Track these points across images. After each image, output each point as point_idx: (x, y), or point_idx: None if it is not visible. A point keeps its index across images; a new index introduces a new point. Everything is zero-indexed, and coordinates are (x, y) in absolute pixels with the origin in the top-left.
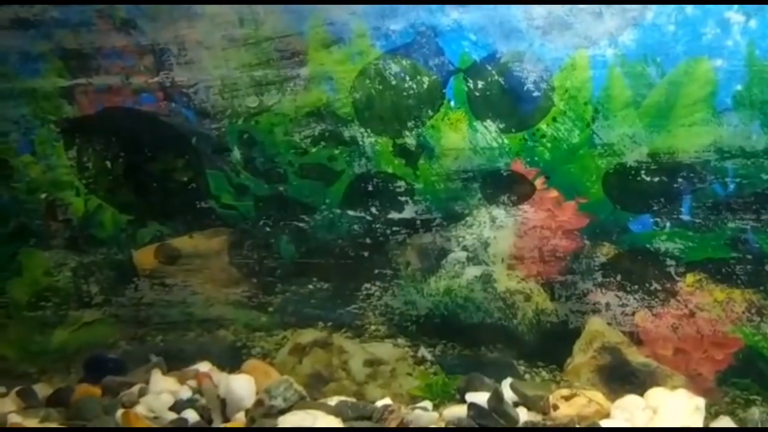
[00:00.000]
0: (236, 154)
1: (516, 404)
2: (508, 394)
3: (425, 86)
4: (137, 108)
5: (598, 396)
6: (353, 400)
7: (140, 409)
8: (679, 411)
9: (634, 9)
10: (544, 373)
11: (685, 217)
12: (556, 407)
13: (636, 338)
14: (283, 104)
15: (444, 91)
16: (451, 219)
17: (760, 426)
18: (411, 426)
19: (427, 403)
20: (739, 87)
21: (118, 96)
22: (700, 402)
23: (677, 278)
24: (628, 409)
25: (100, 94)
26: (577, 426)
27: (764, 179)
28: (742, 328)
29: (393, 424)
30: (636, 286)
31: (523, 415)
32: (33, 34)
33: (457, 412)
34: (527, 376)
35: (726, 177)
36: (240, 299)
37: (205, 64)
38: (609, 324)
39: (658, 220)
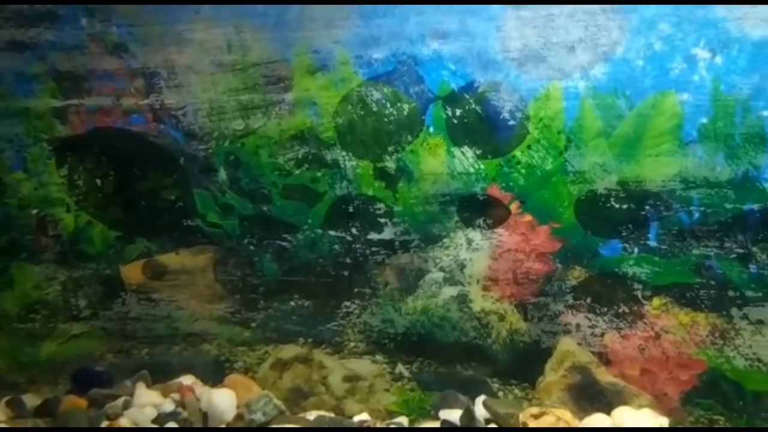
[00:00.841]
0: (222, 174)
1: (488, 421)
2: (481, 412)
3: (405, 113)
4: (127, 128)
5: (567, 414)
6: (331, 415)
7: (124, 421)
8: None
9: (605, 44)
10: (516, 391)
11: (652, 243)
12: (525, 425)
13: (605, 358)
14: (269, 127)
15: (423, 117)
16: (429, 241)
17: None
18: None
19: (404, 419)
20: (704, 120)
21: (109, 116)
22: (664, 421)
23: (644, 301)
24: (594, 426)
25: (91, 114)
26: None
27: (727, 208)
28: (706, 350)
29: None
30: (605, 309)
31: None
32: (28, 56)
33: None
34: (500, 393)
35: (691, 206)
36: (224, 315)
37: (193, 87)
38: (579, 344)
39: (627, 245)
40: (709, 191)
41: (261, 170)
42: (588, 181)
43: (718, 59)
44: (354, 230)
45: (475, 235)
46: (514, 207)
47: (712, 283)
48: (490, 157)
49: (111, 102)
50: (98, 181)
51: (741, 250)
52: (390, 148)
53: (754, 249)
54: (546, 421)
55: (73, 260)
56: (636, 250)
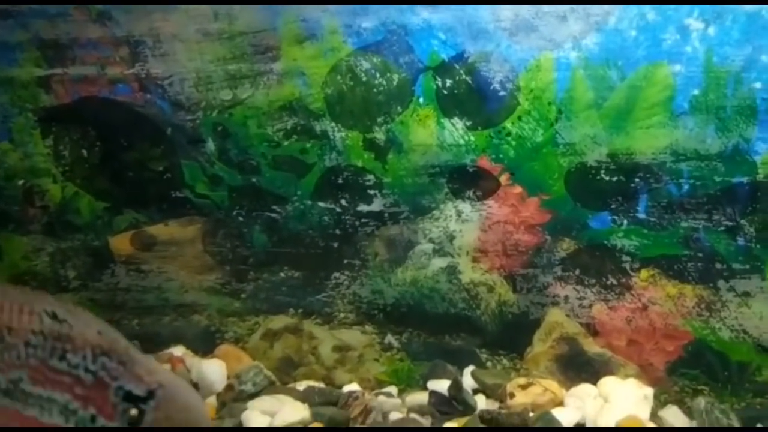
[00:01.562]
0: (210, 145)
1: (476, 391)
2: (469, 382)
3: (395, 83)
4: (113, 98)
5: (553, 385)
6: (321, 385)
7: None
8: (628, 399)
9: (597, 14)
10: (505, 362)
11: (641, 216)
12: (512, 395)
13: (592, 329)
14: (257, 98)
15: (413, 88)
16: (419, 212)
17: (705, 415)
18: (374, 410)
19: (393, 389)
20: (696, 92)
21: (94, 86)
22: (649, 391)
23: (632, 273)
24: (581, 397)
25: (76, 83)
26: (531, 414)
27: (717, 181)
28: (692, 321)
29: (357, 410)
30: (593, 280)
31: (482, 403)
32: (11, 24)
33: (419, 398)
34: (489, 364)
35: (681, 178)
36: (214, 286)
37: (179, 56)
38: (567, 315)
39: (616, 217)
40: (699, 164)
41: (249, 141)
42: (578, 153)
43: (711, 30)
44: (343, 202)
45: (465, 206)
46: (503, 179)
47: (700, 255)
48: (480, 128)
49: (96, 71)
50: (84, 152)
51: (729, 223)
52: (379, 119)
53: (742, 222)
54: (532, 392)
55: (61, 231)
56: (625, 222)
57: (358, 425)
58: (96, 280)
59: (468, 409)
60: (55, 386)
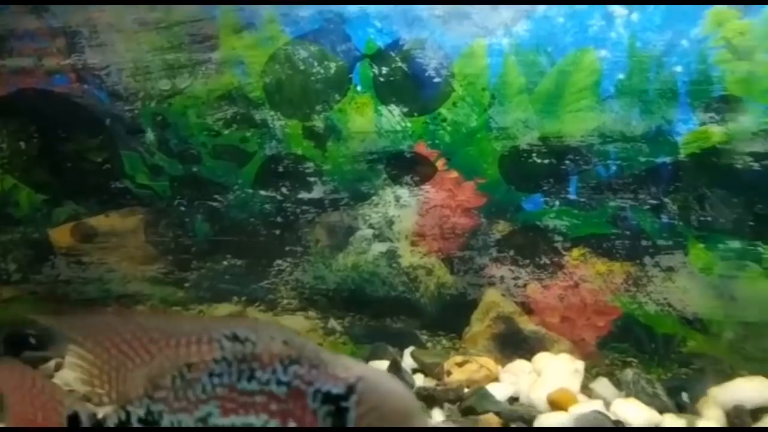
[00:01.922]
0: (150, 135)
1: (414, 371)
2: (409, 362)
3: (333, 71)
4: (50, 89)
5: (489, 362)
6: None
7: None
8: (560, 373)
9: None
10: (444, 342)
11: (572, 197)
12: (449, 373)
13: (527, 308)
14: (196, 87)
15: (351, 76)
16: (358, 198)
17: (632, 385)
18: None
19: None
20: (621, 76)
21: (32, 77)
22: (580, 365)
23: (564, 252)
24: (516, 372)
25: (13, 75)
26: (467, 389)
27: (642, 162)
28: (621, 297)
29: None
30: (527, 261)
31: (420, 381)
32: None
33: None
34: (429, 344)
35: (608, 160)
36: (156, 276)
37: (117, 47)
38: (503, 295)
39: (548, 199)
40: (625, 145)
41: (189, 131)
42: (511, 137)
43: (635, 16)
44: (284, 189)
45: (403, 192)
46: (440, 164)
47: (627, 233)
48: (416, 114)
49: (33, 63)
50: (22, 144)
51: (654, 201)
52: (318, 107)
53: (666, 200)
54: (468, 369)
55: (1, 224)
56: (557, 203)
57: None
58: (36, 273)
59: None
60: (248, 410)
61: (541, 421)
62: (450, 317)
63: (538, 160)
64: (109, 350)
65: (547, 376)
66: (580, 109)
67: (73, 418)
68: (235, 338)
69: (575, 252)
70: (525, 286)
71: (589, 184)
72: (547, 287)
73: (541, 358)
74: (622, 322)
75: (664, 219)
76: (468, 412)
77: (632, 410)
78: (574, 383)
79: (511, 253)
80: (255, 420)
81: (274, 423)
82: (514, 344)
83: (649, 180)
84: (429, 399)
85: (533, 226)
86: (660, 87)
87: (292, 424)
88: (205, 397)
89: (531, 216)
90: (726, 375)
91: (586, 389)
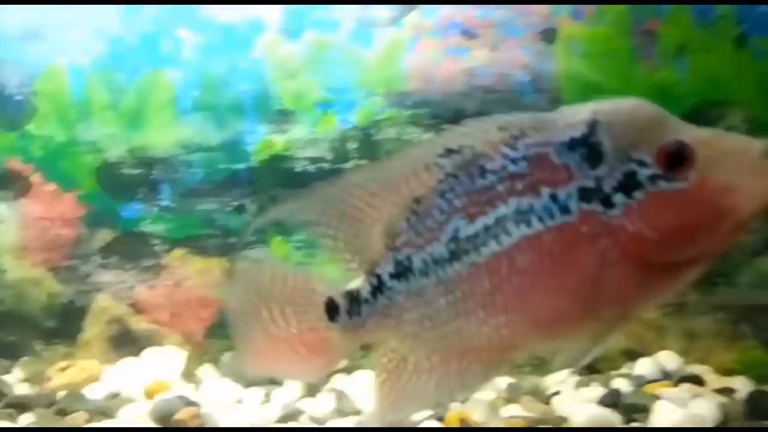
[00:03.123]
0: None
1: (24, 380)
2: (19, 375)
3: None
4: None
5: (92, 363)
6: None
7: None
8: (161, 365)
9: (104, 22)
10: (62, 349)
11: (166, 203)
12: (49, 379)
13: (138, 308)
14: None
15: None
16: None
17: (228, 366)
18: None
19: None
20: (195, 93)
21: None
22: (182, 355)
23: (165, 254)
24: (123, 370)
25: None
26: (63, 392)
27: (221, 169)
28: (218, 290)
29: None
30: (131, 264)
31: (25, 389)
32: None
33: None
34: (46, 353)
35: (193, 168)
36: None
37: None
38: (113, 299)
39: (144, 206)
40: (205, 154)
41: None
42: (101, 151)
43: (201, 39)
44: None
45: (2, 207)
46: (35, 178)
47: (217, 233)
48: (3, 131)
49: None
50: None
51: (236, 203)
52: None
53: (245, 201)
54: (70, 373)
55: None
56: (153, 209)
57: None
58: None
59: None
60: (495, 203)
61: (124, 411)
62: (64, 325)
63: (130, 171)
64: (339, 220)
65: (150, 369)
66: (162, 124)
67: (331, 304)
68: (450, 152)
69: (175, 253)
70: (132, 288)
71: (180, 190)
72: (153, 287)
73: (148, 353)
74: (221, 312)
75: (247, 217)
76: (61, 413)
77: (219, 388)
78: (174, 372)
79: (116, 258)
80: (505, 210)
81: (526, 201)
82: (128, 343)
83: (230, 184)
84: (20, 406)
85: (133, 232)
86: (229, 103)
87: (545, 189)
88: (445, 217)
89: (130, 223)
90: None
91: (190, 375)
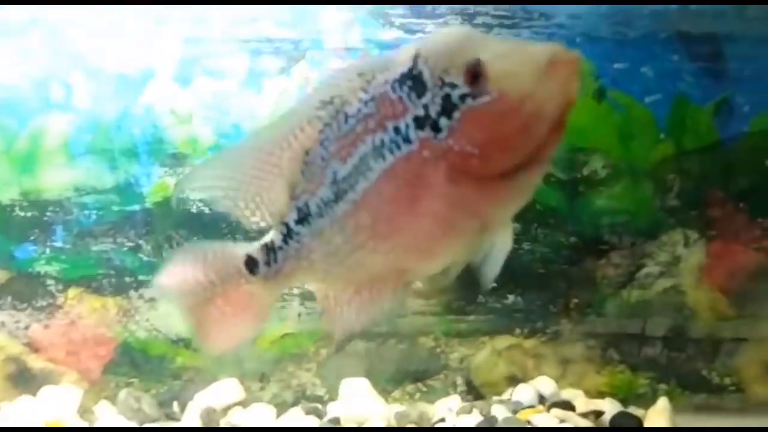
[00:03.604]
0: None
1: None
2: None
3: None
4: None
5: None
6: None
7: None
8: (58, 402)
9: None
10: None
11: (59, 244)
12: None
13: (34, 347)
14: None
15: None
16: None
17: (122, 403)
18: None
19: None
20: (88, 137)
21: None
22: (78, 392)
23: (59, 294)
24: (21, 408)
25: None
26: None
27: (115, 210)
28: (116, 328)
29: None
30: (26, 305)
31: None
32: None
33: None
34: None
35: (87, 209)
36: None
37: None
38: (9, 338)
39: (38, 247)
40: (99, 197)
41: None
42: None
43: (91, 86)
44: None
45: None
46: None
47: (113, 272)
48: None
49: None
50: None
51: (131, 243)
52: None
53: (141, 241)
54: None
55: None
56: (47, 250)
57: None
58: None
59: None
60: (356, 143)
61: None
62: None
63: (22, 213)
64: (242, 183)
65: (46, 407)
66: (54, 166)
67: (250, 260)
68: (324, 104)
69: (71, 292)
70: (27, 328)
71: (74, 232)
72: (49, 326)
73: (44, 391)
74: (121, 349)
75: (143, 257)
76: None
77: (115, 425)
78: (70, 409)
79: (10, 299)
80: (365, 148)
81: (378, 137)
82: (25, 382)
83: (126, 225)
84: None
85: (27, 272)
86: (122, 147)
87: (390, 123)
88: (325, 163)
89: (24, 263)
90: (208, 381)
91: (87, 412)
